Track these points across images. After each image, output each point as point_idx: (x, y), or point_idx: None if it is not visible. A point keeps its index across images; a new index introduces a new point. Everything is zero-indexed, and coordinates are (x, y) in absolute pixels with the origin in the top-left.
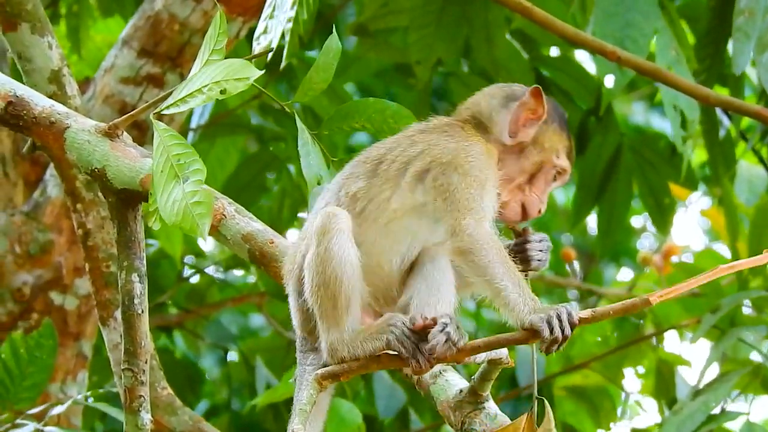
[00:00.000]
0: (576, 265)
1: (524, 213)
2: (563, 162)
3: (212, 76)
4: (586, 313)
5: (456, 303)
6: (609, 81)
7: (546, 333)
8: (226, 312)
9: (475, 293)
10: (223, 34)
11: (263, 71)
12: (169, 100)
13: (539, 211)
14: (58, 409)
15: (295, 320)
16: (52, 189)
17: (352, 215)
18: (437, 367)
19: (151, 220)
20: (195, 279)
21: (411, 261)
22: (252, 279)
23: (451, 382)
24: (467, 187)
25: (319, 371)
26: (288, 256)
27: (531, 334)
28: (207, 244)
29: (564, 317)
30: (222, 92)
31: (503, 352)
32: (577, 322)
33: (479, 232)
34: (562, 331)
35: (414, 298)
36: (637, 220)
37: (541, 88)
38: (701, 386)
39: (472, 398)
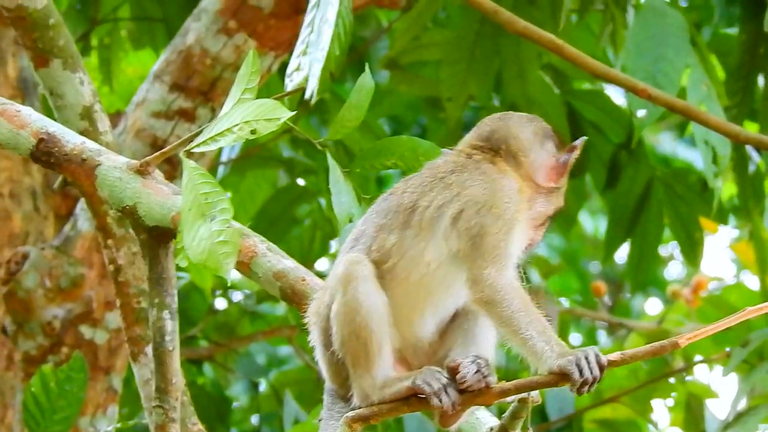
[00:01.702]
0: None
1: (528, 247)
2: (562, 199)
3: (243, 116)
4: (616, 355)
5: (494, 355)
6: (640, 113)
7: (576, 375)
8: (256, 344)
9: (502, 341)
10: (256, 72)
11: (295, 111)
12: (200, 138)
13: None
14: None
15: (325, 372)
16: (83, 223)
17: (383, 270)
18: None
19: (178, 257)
20: (223, 303)
21: (447, 314)
22: (281, 310)
23: (481, 420)
24: (497, 232)
25: (350, 414)
26: (311, 306)
27: (561, 377)
28: (238, 276)
29: (592, 359)
30: (252, 132)
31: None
32: (606, 364)
33: (500, 282)
34: (591, 372)
35: (451, 352)
36: (664, 249)
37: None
38: (731, 419)
39: None
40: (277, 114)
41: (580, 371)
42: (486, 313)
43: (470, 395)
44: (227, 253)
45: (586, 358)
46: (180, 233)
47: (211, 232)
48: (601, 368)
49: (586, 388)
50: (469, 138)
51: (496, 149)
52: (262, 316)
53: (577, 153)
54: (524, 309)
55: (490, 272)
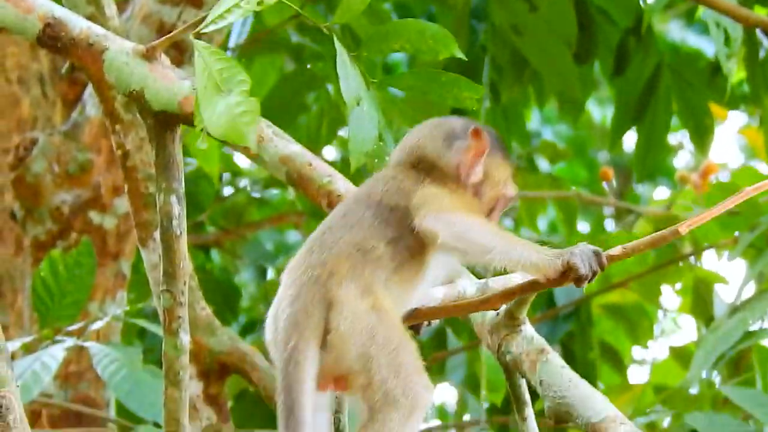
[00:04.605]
0: (613, 182)
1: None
2: (511, 190)
3: None
4: (617, 249)
5: None
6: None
7: (582, 270)
8: (264, 230)
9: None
10: None
11: None
12: (208, 19)
13: None
14: (96, 326)
15: None
16: (91, 108)
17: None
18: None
19: (198, 140)
20: (230, 190)
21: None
22: (290, 196)
23: None
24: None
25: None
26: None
27: (564, 274)
28: (245, 162)
29: (591, 254)
30: (259, 3)
31: None
32: (606, 261)
33: (446, 216)
34: (591, 266)
35: None
36: (674, 137)
37: (479, 127)
38: (738, 304)
39: (509, 321)
40: None
41: (583, 264)
42: (459, 249)
43: (475, 301)
44: (248, 123)
45: (585, 252)
46: (196, 117)
47: (230, 105)
48: (601, 266)
49: (585, 282)
50: (397, 158)
51: (414, 164)
52: (269, 202)
53: (470, 140)
54: (490, 231)
55: (428, 212)
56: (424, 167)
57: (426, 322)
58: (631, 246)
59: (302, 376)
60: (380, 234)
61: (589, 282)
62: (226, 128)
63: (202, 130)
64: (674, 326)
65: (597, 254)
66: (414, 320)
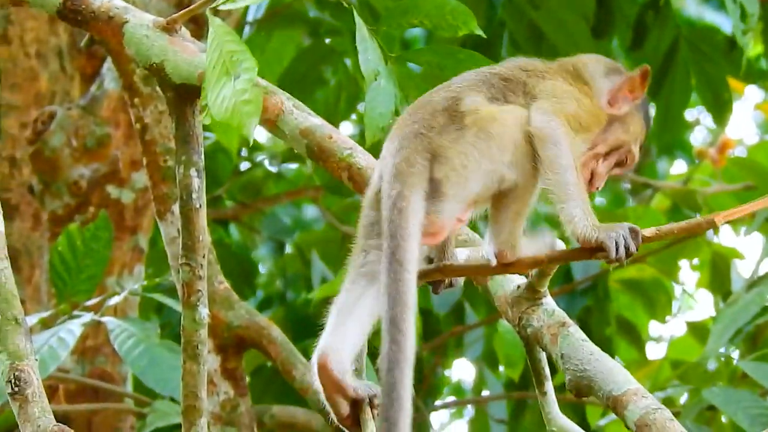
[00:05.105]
0: None
1: (590, 183)
2: (636, 151)
3: None
4: (651, 231)
5: None
6: None
7: (612, 253)
8: (281, 205)
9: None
10: None
11: None
12: None
13: (597, 188)
14: (114, 300)
15: None
16: (109, 82)
17: None
18: None
19: (202, 114)
20: (246, 165)
21: None
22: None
23: (508, 278)
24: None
25: None
26: None
27: (594, 250)
28: (263, 137)
29: (628, 234)
30: None
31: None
32: (641, 241)
33: (560, 132)
34: (628, 248)
35: None
36: (690, 113)
37: (647, 72)
38: (756, 278)
39: (530, 294)
40: None
41: (617, 248)
42: (539, 150)
43: (503, 266)
44: (249, 113)
45: (623, 235)
46: (203, 90)
47: (235, 91)
48: (637, 246)
49: (618, 263)
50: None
51: (569, 70)
52: (287, 177)
53: (638, 74)
54: (570, 168)
55: (547, 109)
56: (577, 77)
57: (446, 281)
58: (666, 229)
59: (407, 222)
60: (479, 91)
61: (620, 263)
62: (229, 113)
63: (206, 105)
64: (692, 301)
65: (634, 233)
66: (441, 275)
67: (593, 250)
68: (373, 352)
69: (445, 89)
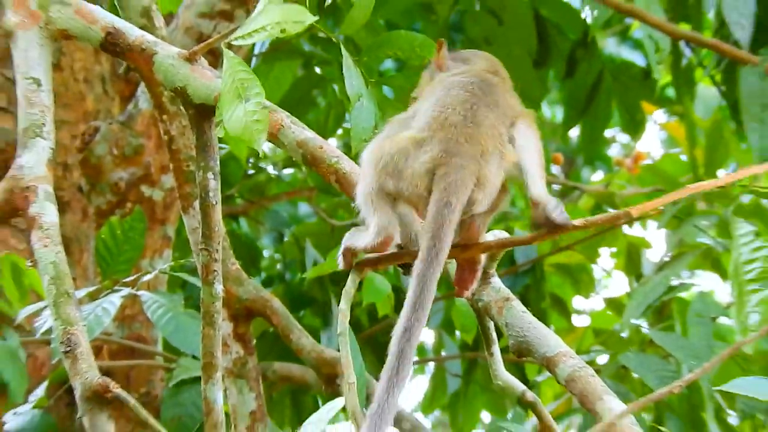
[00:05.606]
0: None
1: None
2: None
3: (273, 18)
4: (580, 221)
5: None
6: (589, 18)
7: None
8: (281, 203)
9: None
10: None
11: (317, 17)
12: (238, 33)
13: None
14: (147, 278)
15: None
16: (143, 102)
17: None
18: None
19: (217, 129)
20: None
21: None
22: (302, 174)
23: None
24: None
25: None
26: None
27: (549, 232)
28: (266, 147)
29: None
30: (282, 31)
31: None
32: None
33: (533, 133)
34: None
35: None
36: (608, 132)
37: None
38: (662, 264)
39: (482, 275)
40: (302, 18)
41: (560, 205)
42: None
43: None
44: (259, 129)
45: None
46: (218, 110)
47: (246, 111)
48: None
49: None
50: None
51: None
52: (285, 180)
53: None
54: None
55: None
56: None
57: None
58: (591, 220)
59: (450, 230)
60: (504, 122)
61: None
62: (241, 130)
63: (220, 122)
64: (610, 281)
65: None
66: (410, 258)
67: (546, 232)
68: None
69: (502, 113)
